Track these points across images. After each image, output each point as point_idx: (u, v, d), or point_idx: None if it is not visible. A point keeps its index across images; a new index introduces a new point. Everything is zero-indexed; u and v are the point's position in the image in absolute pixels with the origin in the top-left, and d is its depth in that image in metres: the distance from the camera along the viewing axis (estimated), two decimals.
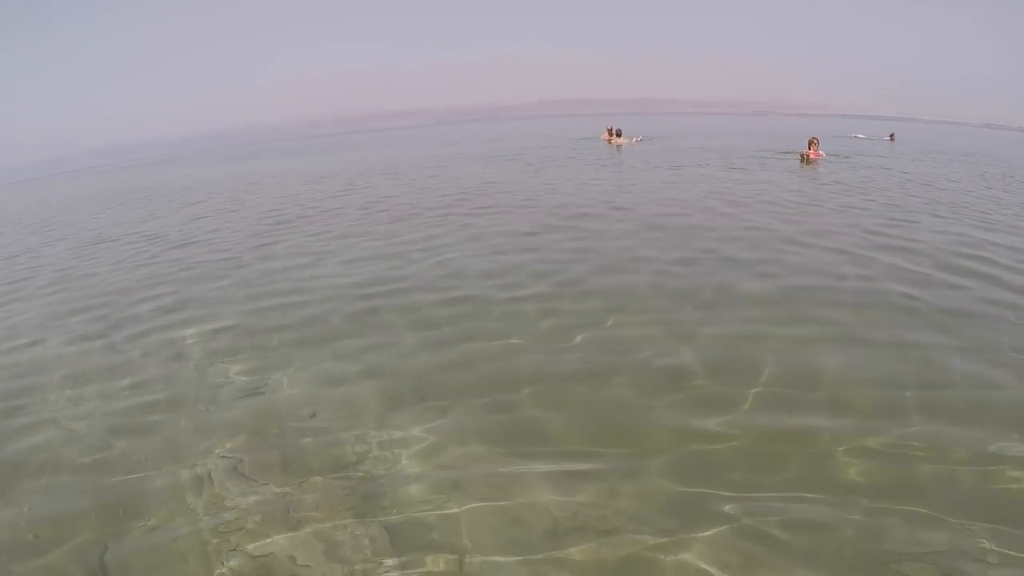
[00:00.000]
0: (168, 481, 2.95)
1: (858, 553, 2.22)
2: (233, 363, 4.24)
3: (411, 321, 4.69)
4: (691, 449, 2.89)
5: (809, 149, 14.85)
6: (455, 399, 3.47)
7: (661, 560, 2.24)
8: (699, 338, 4.07)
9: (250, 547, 2.45)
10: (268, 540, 2.48)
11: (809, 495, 2.53)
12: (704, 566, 2.19)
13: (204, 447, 3.22)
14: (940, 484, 2.57)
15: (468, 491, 2.68)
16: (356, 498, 2.68)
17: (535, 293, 5.11)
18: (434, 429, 3.19)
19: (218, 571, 2.34)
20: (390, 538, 2.42)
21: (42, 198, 26.43)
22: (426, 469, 2.87)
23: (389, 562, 2.31)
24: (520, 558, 2.28)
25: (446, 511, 2.56)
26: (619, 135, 23.27)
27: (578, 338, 4.15)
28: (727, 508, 2.48)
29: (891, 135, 27.04)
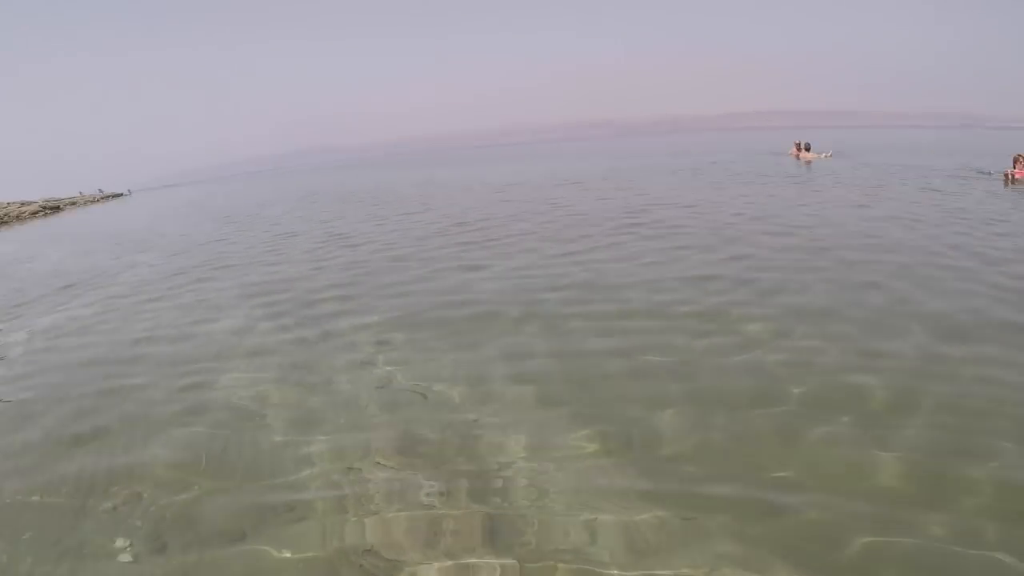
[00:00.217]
0: (320, 470, 3.09)
1: None
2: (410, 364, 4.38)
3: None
4: None
5: (1015, 167, 12.10)
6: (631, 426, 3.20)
7: None
8: None
9: (384, 552, 2.41)
10: (402, 553, 2.42)
11: None
12: None
13: (361, 446, 3.29)
14: None
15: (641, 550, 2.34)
16: (496, 530, 2.51)
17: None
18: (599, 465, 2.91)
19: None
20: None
21: (251, 193, 30.43)
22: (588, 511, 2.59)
23: None
24: None
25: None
26: (808, 149, 20.87)
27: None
28: None
29: None
